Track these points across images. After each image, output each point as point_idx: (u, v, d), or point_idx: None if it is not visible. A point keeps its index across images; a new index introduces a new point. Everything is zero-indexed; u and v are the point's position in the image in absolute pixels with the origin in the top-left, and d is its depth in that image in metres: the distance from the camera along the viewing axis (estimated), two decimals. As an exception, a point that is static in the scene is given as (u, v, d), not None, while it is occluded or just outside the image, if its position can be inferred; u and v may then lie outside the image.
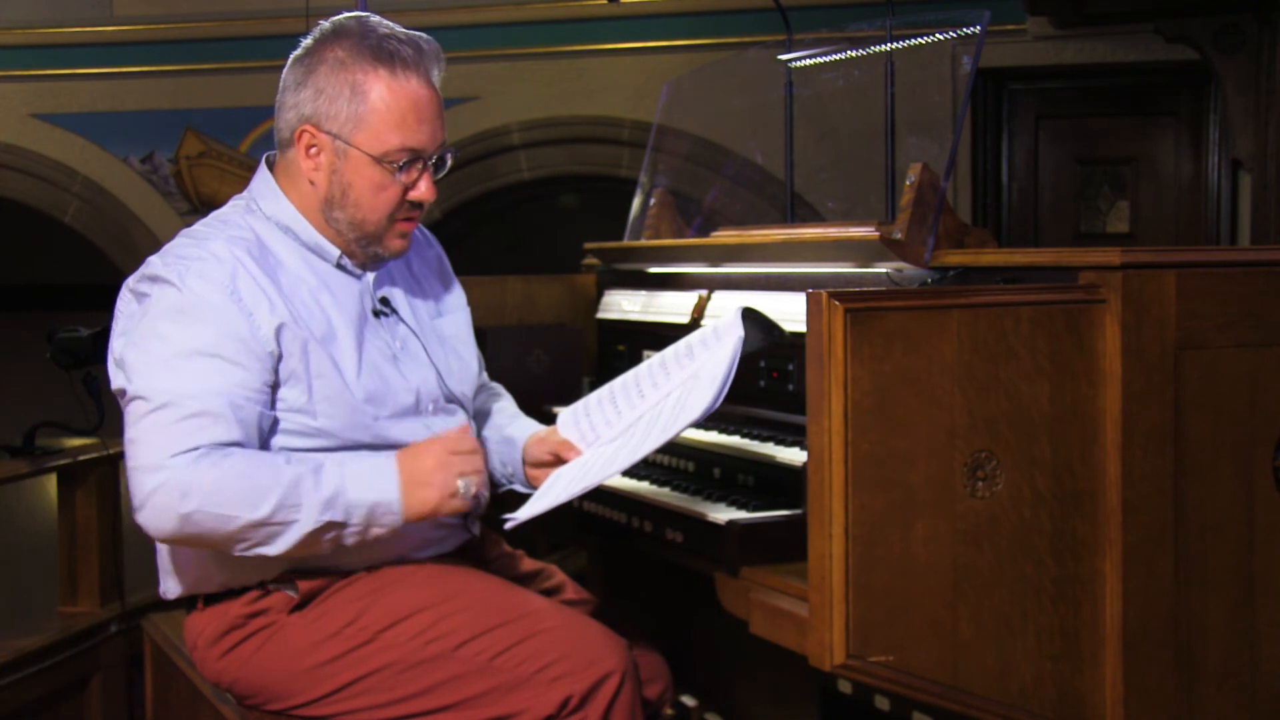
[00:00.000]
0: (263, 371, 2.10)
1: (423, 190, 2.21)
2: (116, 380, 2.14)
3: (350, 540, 2.10)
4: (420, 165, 2.20)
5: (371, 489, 2.09)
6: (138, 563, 3.80)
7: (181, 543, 2.11)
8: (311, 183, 2.21)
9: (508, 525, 2.13)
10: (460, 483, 2.12)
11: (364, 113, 2.15)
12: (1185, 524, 1.95)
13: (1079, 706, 1.93)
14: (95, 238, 8.16)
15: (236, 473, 2.03)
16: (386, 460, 2.13)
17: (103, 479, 3.74)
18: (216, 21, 7.88)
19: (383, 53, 2.15)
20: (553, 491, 2.19)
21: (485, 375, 2.60)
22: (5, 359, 9.69)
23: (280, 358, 2.12)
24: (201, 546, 2.12)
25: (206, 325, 2.07)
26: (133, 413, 2.08)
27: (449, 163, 2.25)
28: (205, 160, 7.95)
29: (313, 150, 2.19)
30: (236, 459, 2.05)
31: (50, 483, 3.85)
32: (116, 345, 2.16)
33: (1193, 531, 1.96)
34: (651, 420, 2.20)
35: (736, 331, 2.18)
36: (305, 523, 2.05)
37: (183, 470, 2.02)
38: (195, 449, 2.03)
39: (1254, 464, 2.00)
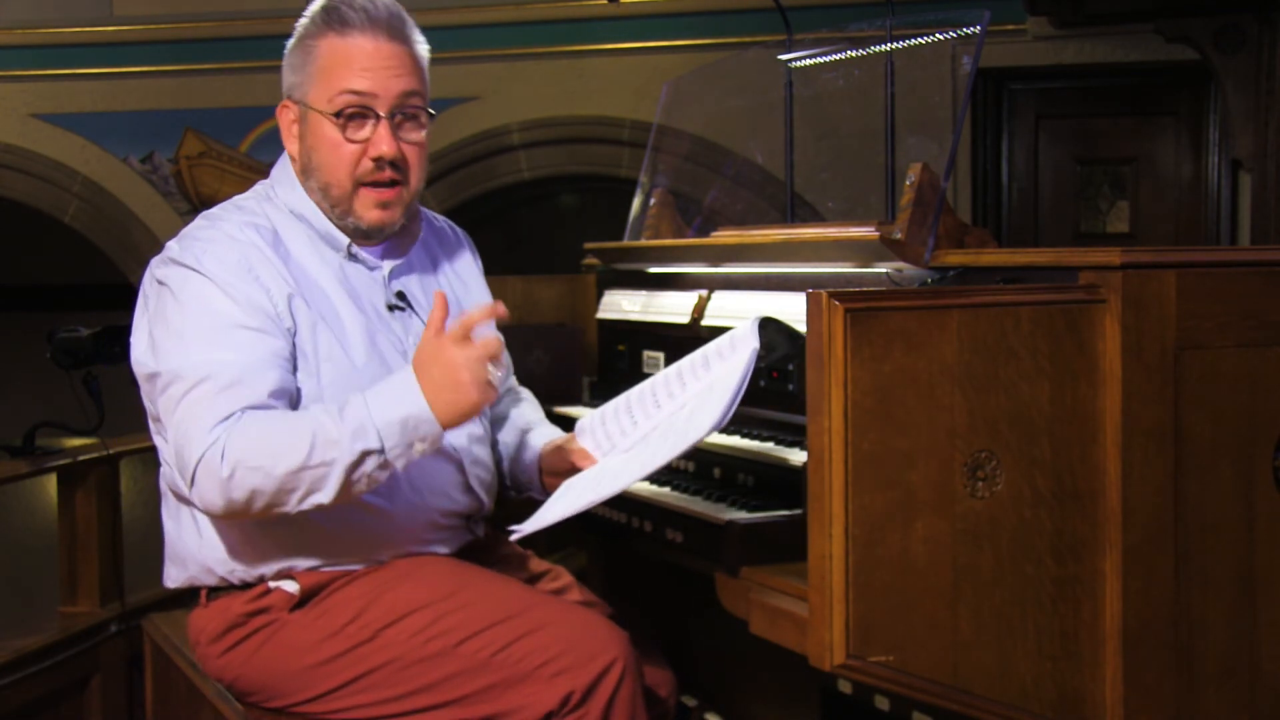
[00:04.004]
0: (287, 343, 2.14)
1: (382, 146, 2.20)
2: (146, 365, 2.15)
3: (399, 464, 2.06)
4: (373, 118, 2.21)
5: (397, 405, 2.04)
6: (138, 563, 3.81)
7: (240, 513, 2.08)
8: (293, 157, 2.28)
9: (513, 537, 2.13)
10: (492, 369, 2.05)
11: (314, 71, 2.22)
12: (1185, 524, 1.95)
13: (1079, 706, 1.93)
14: (95, 238, 8.16)
15: (263, 427, 2.04)
16: (403, 373, 2.07)
17: (103, 479, 3.74)
18: (216, 21, 7.88)
19: (331, 16, 2.22)
20: (563, 501, 2.18)
21: (513, 379, 2.61)
22: (5, 359, 9.70)
23: (294, 332, 2.15)
24: (261, 514, 2.08)
25: (230, 300, 2.11)
26: (171, 396, 2.09)
27: (424, 119, 2.26)
28: (205, 160, 7.95)
29: (292, 125, 2.28)
30: (261, 415, 2.06)
31: (50, 483, 3.85)
32: (141, 334, 2.18)
33: (1193, 531, 1.96)
34: (665, 431, 2.19)
35: (751, 343, 2.16)
36: (343, 458, 2.02)
37: (219, 439, 2.03)
38: (229, 415, 2.05)
39: (1254, 464, 2.00)
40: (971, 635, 1.86)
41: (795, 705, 2.75)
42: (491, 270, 2.62)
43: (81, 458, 3.69)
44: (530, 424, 2.52)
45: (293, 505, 2.06)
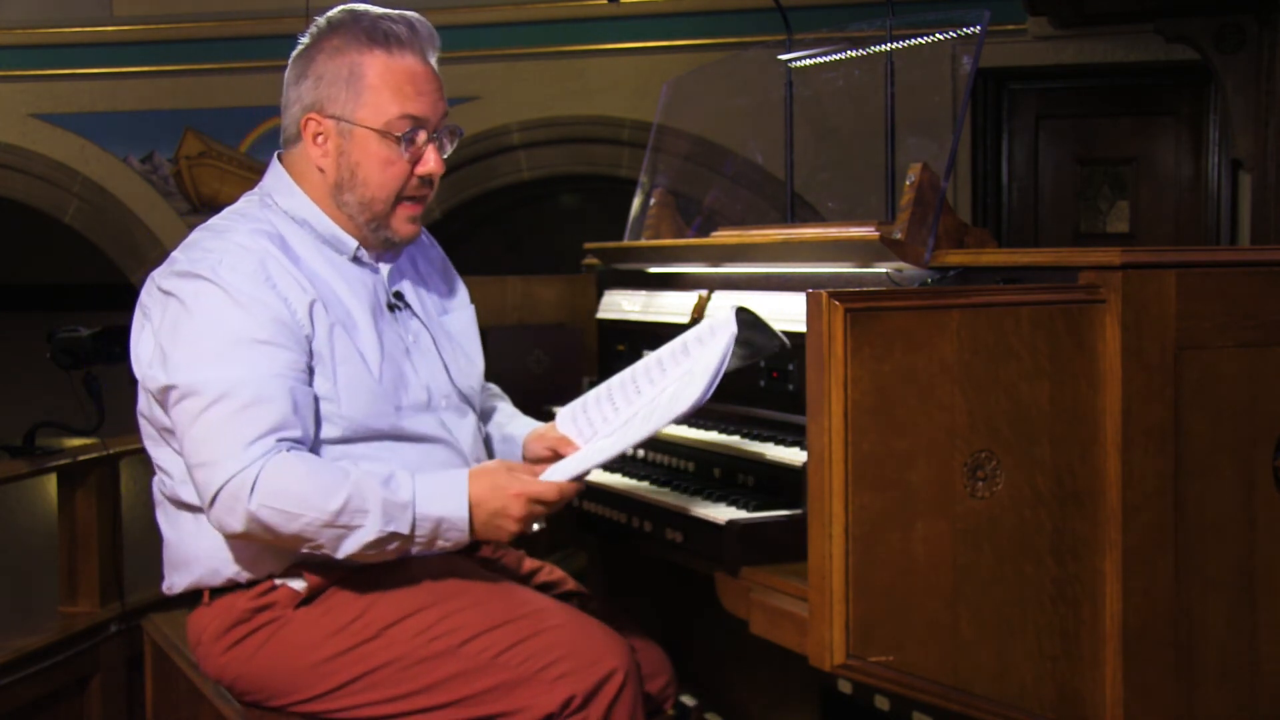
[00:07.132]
0: (303, 353, 2.14)
1: (431, 164, 2.25)
2: (157, 379, 2.14)
3: (415, 550, 2.12)
4: (424, 137, 2.24)
5: (441, 503, 2.10)
6: (138, 563, 3.81)
7: (252, 538, 2.11)
8: (320, 169, 2.25)
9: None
10: (536, 526, 2.14)
11: (363, 89, 2.21)
12: (1185, 524, 1.95)
13: (1079, 706, 1.93)
14: (95, 238, 8.16)
15: (304, 471, 2.05)
16: (458, 476, 2.13)
17: (103, 479, 3.74)
18: (216, 21, 7.88)
19: (377, 33, 2.21)
20: (579, 457, 2.21)
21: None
22: (5, 359, 9.70)
23: (312, 338, 2.15)
24: (270, 543, 2.13)
25: (248, 313, 2.10)
26: (187, 410, 2.09)
27: (455, 138, 2.29)
28: (205, 160, 7.95)
29: (320, 138, 2.24)
30: (305, 458, 2.07)
31: (50, 483, 3.85)
32: (145, 346, 2.17)
33: (1193, 531, 1.96)
34: (647, 415, 2.21)
35: (730, 328, 2.18)
36: (370, 529, 2.06)
37: (250, 466, 2.04)
38: (259, 437, 2.05)
39: (1254, 464, 2.00)
40: (971, 635, 1.86)
41: (795, 705, 2.75)
42: (492, 270, 2.63)
43: (81, 458, 3.69)
44: (509, 416, 2.56)
45: (303, 550, 2.11)
